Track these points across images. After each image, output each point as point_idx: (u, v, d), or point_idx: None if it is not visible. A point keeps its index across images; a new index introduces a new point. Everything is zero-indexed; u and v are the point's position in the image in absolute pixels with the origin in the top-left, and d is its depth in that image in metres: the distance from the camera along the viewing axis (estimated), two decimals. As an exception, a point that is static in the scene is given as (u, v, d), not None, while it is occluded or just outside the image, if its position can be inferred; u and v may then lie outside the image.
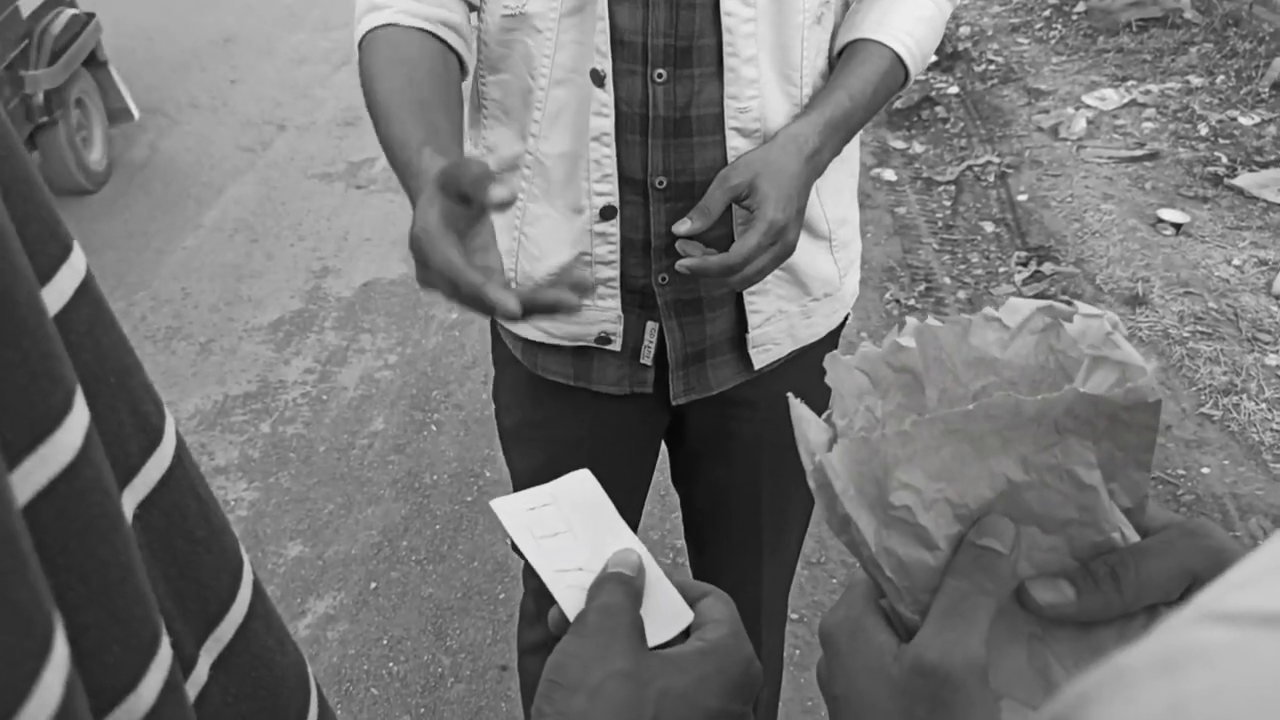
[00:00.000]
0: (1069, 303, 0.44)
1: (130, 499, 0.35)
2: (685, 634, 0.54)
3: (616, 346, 1.19)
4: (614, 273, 1.15)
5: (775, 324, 1.21)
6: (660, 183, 1.11)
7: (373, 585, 2.32)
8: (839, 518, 0.42)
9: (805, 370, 1.21)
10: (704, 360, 1.22)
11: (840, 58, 1.15)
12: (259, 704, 0.40)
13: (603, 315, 1.17)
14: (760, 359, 1.22)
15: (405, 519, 2.50)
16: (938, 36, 1.17)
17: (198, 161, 4.55)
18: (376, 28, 1.09)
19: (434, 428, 2.83)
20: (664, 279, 1.16)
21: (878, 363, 0.46)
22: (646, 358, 1.20)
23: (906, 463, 0.40)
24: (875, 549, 0.41)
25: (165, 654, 0.32)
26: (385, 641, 2.18)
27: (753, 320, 1.19)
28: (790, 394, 0.45)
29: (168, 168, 4.50)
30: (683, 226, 1.06)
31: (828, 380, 0.45)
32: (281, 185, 4.32)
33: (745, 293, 1.18)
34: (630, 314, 1.19)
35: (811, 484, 0.42)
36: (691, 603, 0.55)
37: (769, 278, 1.17)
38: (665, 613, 0.54)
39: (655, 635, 0.53)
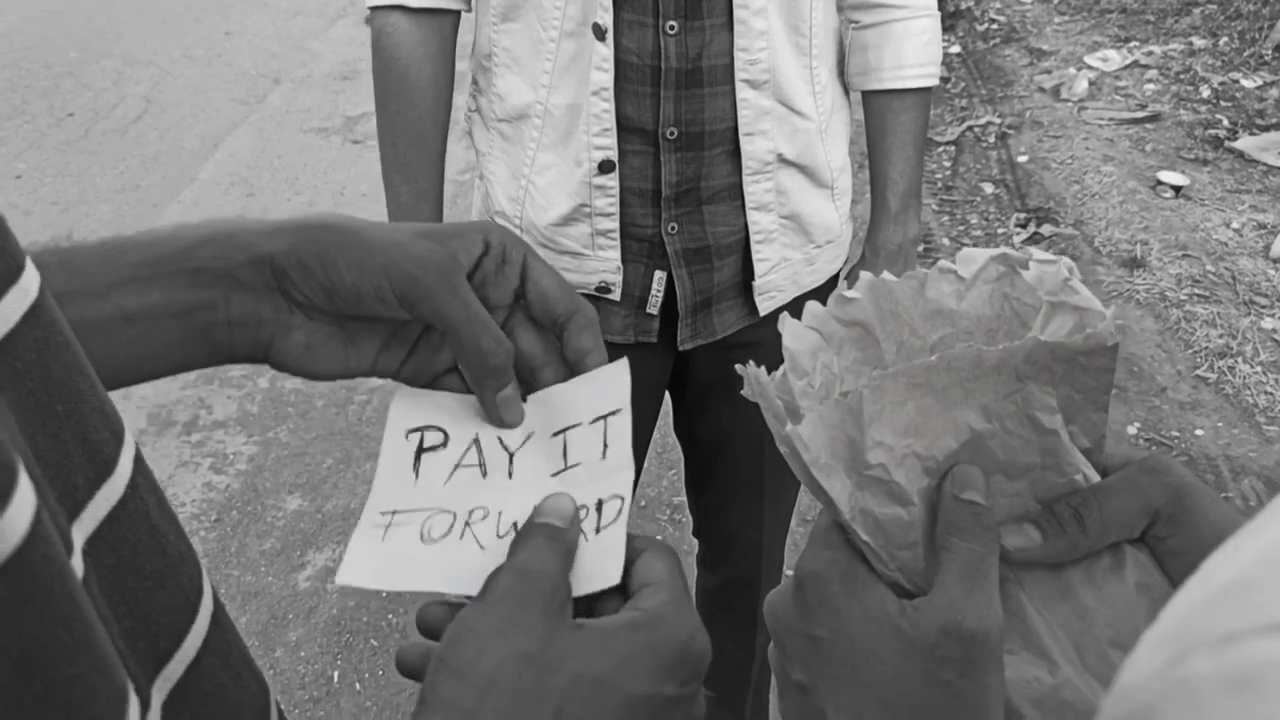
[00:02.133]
0: (1023, 248, 0.45)
1: (79, 534, 0.33)
2: (623, 593, 0.45)
3: (615, 296, 1.21)
4: (613, 225, 1.16)
5: (780, 271, 1.23)
6: (671, 133, 1.12)
7: (372, 539, 2.34)
8: (812, 484, 0.42)
9: None
10: (710, 306, 1.24)
11: (867, 113, 1.25)
12: None
13: (602, 265, 1.19)
14: (765, 305, 1.24)
15: (404, 474, 2.52)
16: (940, 38, 1.25)
17: (192, 114, 4.51)
18: (384, 7, 1.18)
19: (432, 384, 2.83)
20: (673, 228, 1.18)
21: (826, 318, 0.46)
22: (654, 307, 1.22)
23: (878, 419, 0.40)
24: (849, 513, 0.41)
25: (134, 700, 0.31)
26: (384, 594, 2.20)
27: (759, 268, 1.21)
28: (744, 363, 0.44)
29: (162, 120, 4.46)
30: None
31: (785, 341, 0.45)
32: (277, 139, 4.29)
33: (752, 241, 1.20)
34: (638, 264, 1.20)
35: (782, 449, 0.42)
36: (628, 561, 0.45)
37: (775, 227, 1.19)
38: (592, 567, 0.45)
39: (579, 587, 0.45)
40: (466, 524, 0.47)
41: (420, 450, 0.50)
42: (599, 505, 0.46)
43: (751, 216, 1.18)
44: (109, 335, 0.46)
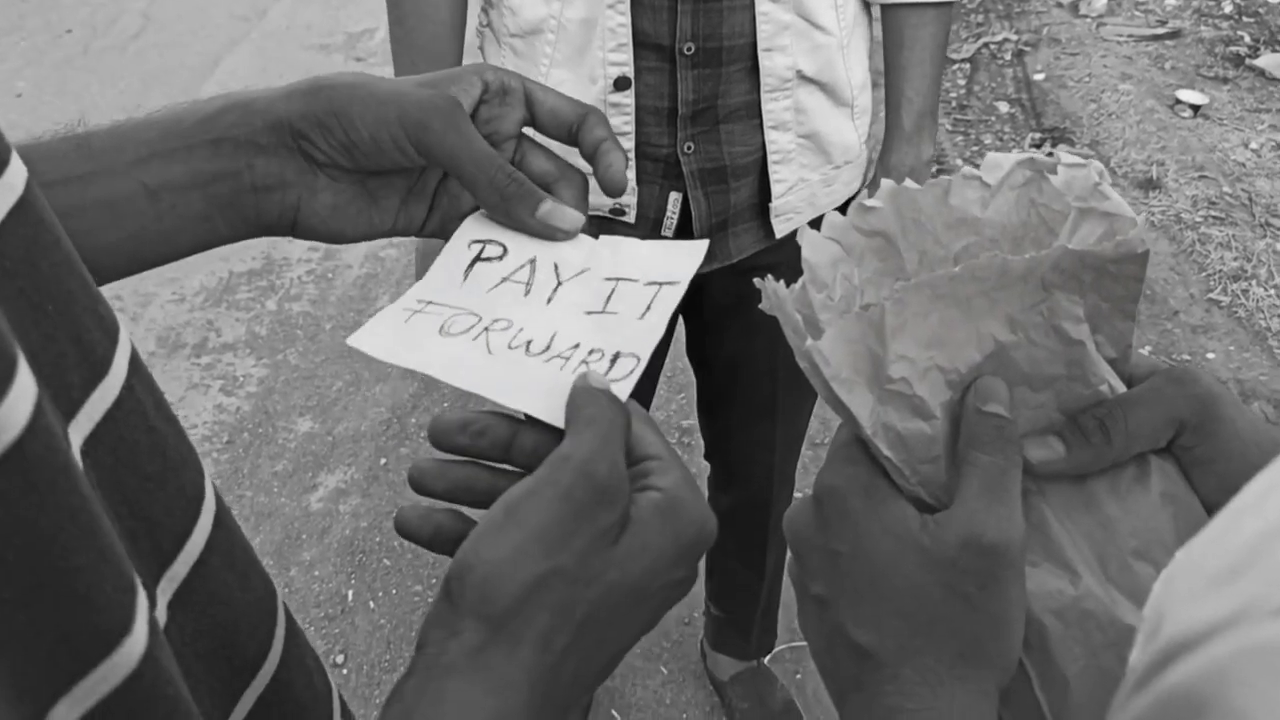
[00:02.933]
0: (1050, 153, 0.43)
1: (76, 434, 0.33)
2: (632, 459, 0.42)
3: (630, 218, 1.19)
4: (629, 144, 1.14)
5: (797, 192, 1.21)
6: (688, 49, 1.09)
7: (383, 461, 2.35)
8: (833, 399, 0.41)
9: None
10: (726, 229, 1.23)
11: (885, 28, 1.21)
12: (215, 642, 0.39)
13: None
14: (781, 227, 1.23)
15: (413, 396, 2.52)
16: None
17: (191, 31, 4.43)
18: None
19: (440, 306, 2.82)
20: (689, 147, 1.16)
21: (846, 229, 0.45)
22: (669, 229, 1.20)
23: (900, 332, 0.39)
24: (871, 428, 0.40)
25: (143, 594, 0.31)
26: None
27: (776, 189, 1.19)
28: (761, 277, 0.43)
29: (162, 37, 4.38)
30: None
31: (804, 253, 0.44)
32: (278, 56, 4.21)
33: (770, 161, 1.18)
34: (653, 184, 1.18)
35: (801, 364, 0.42)
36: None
37: (793, 146, 1.17)
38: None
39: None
40: (485, 329, 0.48)
41: (477, 259, 0.51)
42: (615, 357, 0.46)
43: (769, 136, 1.16)
44: (135, 212, 0.47)
